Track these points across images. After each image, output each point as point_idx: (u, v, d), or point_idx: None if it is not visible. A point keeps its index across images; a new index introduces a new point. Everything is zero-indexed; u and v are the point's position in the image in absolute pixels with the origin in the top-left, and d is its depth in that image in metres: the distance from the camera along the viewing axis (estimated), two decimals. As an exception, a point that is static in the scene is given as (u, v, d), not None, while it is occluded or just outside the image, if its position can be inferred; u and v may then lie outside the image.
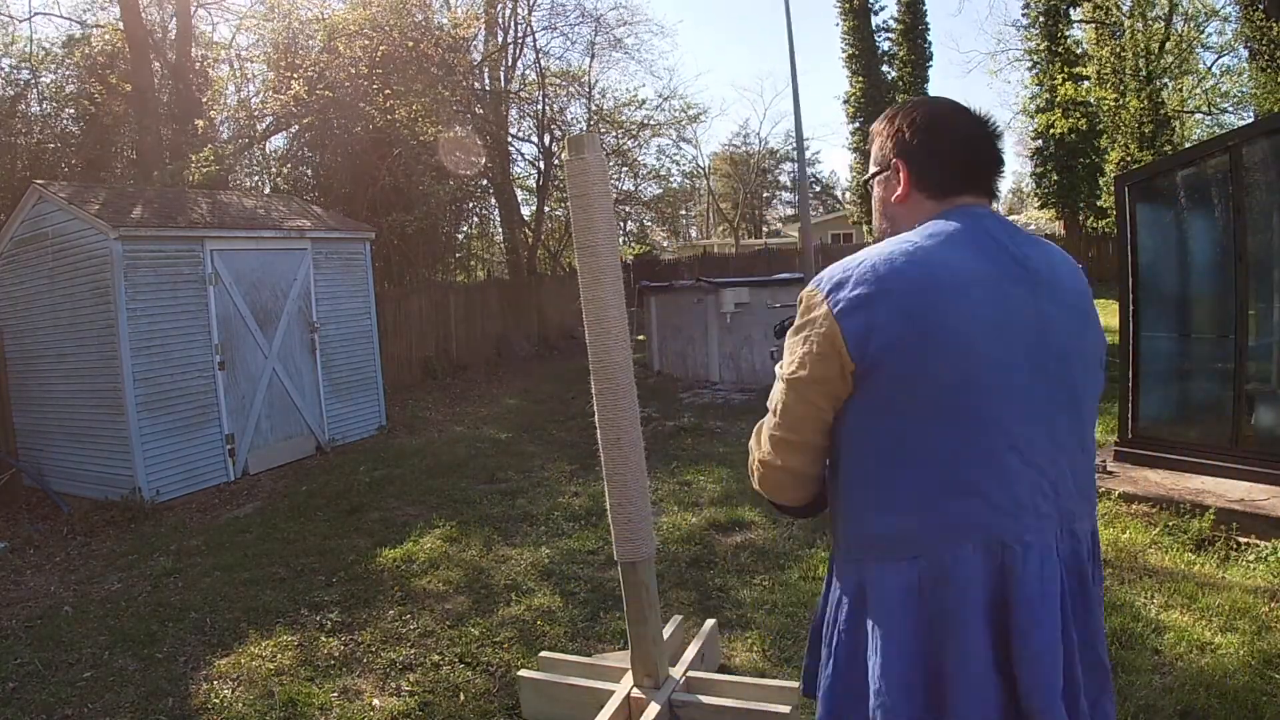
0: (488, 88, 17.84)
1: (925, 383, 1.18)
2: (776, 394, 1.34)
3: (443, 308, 13.26)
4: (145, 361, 6.32)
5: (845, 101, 28.03)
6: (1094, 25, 20.46)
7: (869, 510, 1.27)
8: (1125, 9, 19.06)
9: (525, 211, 19.72)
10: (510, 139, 18.28)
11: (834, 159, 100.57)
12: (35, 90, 14.10)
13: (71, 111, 14.21)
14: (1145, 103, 19.24)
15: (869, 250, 1.27)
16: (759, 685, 2.86)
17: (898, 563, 1.21)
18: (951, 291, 1.18)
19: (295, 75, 12.17)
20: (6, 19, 13.95)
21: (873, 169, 1.45)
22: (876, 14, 27.73)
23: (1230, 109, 18.71)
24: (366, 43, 12.70)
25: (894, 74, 27.61)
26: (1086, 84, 20.17)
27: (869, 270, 1.21)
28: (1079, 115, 20.26)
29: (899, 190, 1.37)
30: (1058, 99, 20.49)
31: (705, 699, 2.74)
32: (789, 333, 1.32)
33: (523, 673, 3.08)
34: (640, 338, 13.56)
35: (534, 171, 19.49)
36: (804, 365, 1.26)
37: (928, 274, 1.20)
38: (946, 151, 1.34)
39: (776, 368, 1.38)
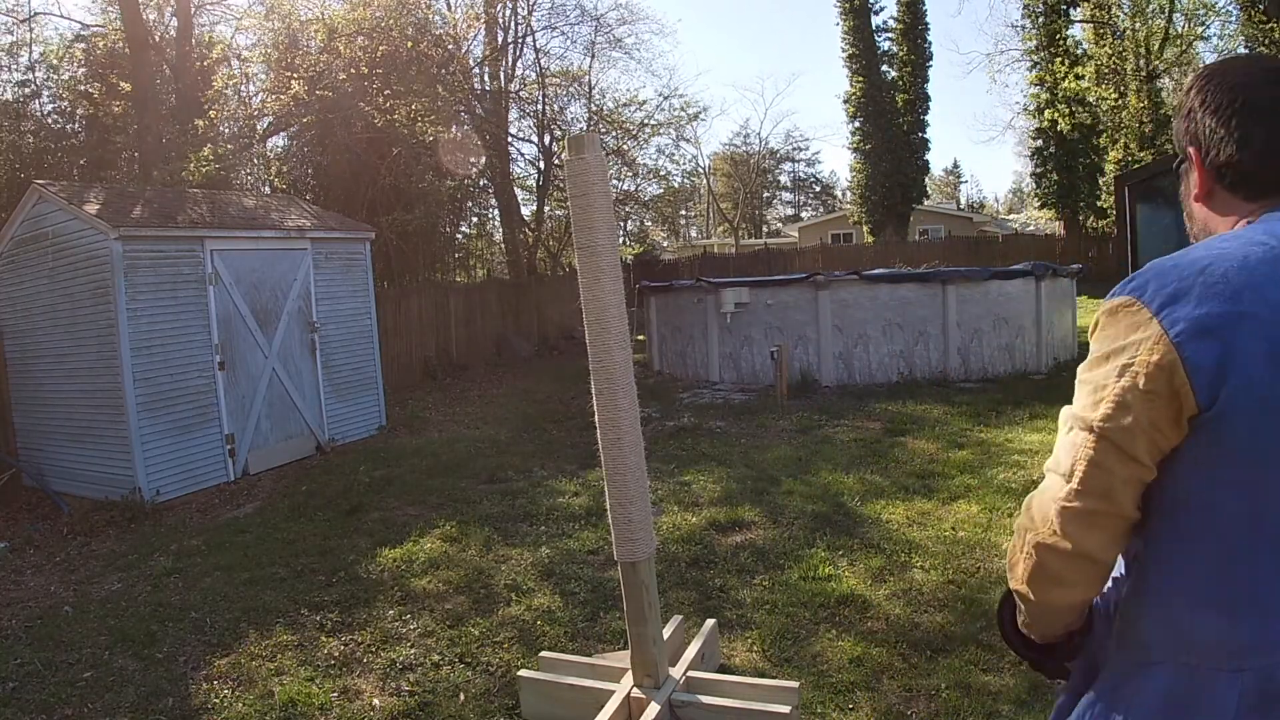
0: (488, 88, 17.84)
1: None
2: (1069, 449, 1.00)
3: (443, 308, 13.26)
4: (145, 361, 6.32)
5: (845, 101, 28.11)
6: (1094, 24, 20.47)
7: (1198, 606, 0.98)
8: (1126, 8, 19.06)
9: (525, 211, 19.73)
10: (510, 139, 18.29)
11: (834, 159, 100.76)
12: (38, 91, 14.12)
13: (76, 112, 14.22)
14: (1145, 102, 19.26)
15: (1205, 249, 0.98)
16: (759, 685, 2.86)
17: (1227, 674, 0.97)
18: None
19: (295, 75, 12.19)
20: (8, 19, 13.97)
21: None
22: (876, 14, 27.82)
23: (1231, 108, 18.72)
24: (366, 43, 12.72)
25: (894, 74, 27.70)
26: (1085, 81, 20.20)
27: (1220, 279, 0.93)
28: (1081, 110, 20.27)
29: (1197, 188, 1.13)
30: (1060, 94, 20.47)
31: (705, 699, 2.74)
32: (1087, 363, 1.01)
33: (523, 673, 3.08)
34: (640, 338, 13.57)
35: (534, 171, 19.51)
36: (1123, 408, 0.95)
37: None
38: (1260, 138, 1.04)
39: (1063, 413, 1.05)
